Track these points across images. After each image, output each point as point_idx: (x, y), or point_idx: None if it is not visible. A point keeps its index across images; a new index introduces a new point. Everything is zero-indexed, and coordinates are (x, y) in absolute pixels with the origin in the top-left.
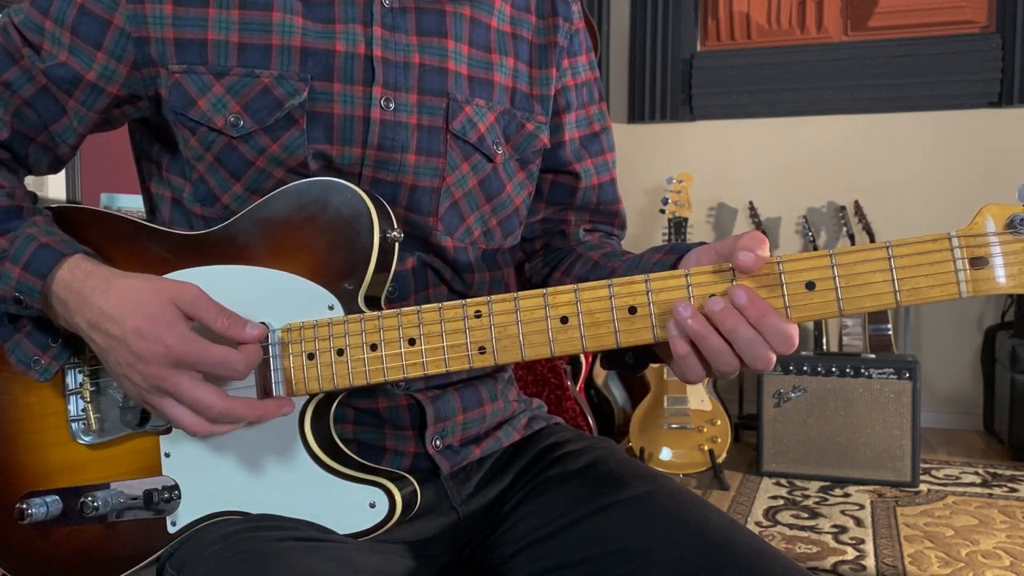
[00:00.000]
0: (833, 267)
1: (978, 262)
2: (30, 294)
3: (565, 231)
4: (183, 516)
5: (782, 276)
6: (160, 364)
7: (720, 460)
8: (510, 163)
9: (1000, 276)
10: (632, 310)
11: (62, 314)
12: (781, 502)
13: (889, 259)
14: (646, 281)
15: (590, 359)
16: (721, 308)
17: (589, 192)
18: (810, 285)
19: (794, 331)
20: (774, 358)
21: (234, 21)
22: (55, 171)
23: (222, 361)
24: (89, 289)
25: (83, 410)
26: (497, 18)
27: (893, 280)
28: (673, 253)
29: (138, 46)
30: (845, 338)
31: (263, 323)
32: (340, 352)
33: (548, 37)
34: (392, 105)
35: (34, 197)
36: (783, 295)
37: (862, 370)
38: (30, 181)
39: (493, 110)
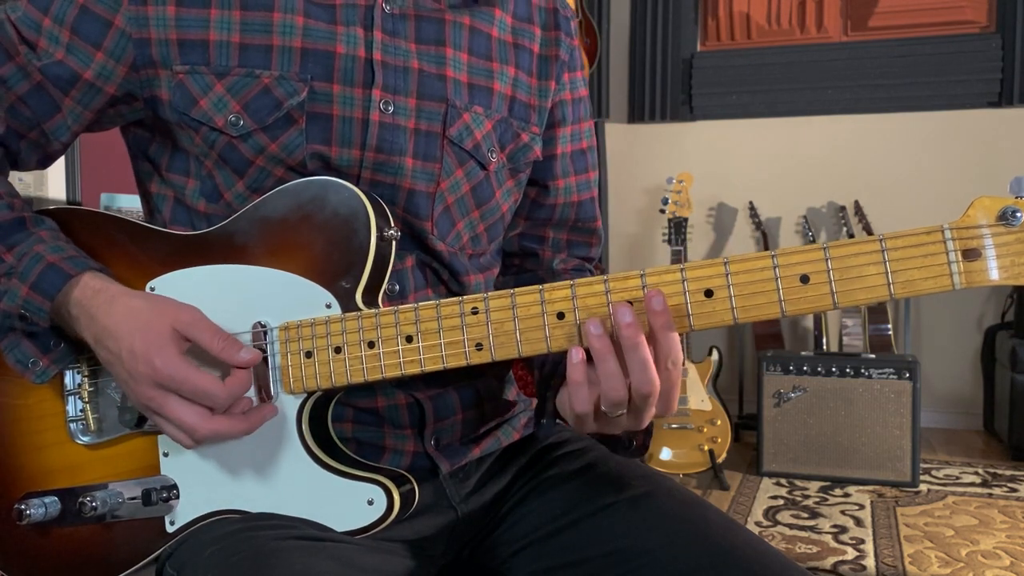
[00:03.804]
0: (827, 260)
1: (971, 254)
2: (36, 313)
3: (539, 255)
4: (182, 515)
5: (776, 269)
6: (147, 384)
7: (720, 460)
8: (502, 171)
9: (992, 268)
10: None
11: (74, 327)
12: (781, 502)
13: (883, 252)
14: (642, 276)
15: None
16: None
17: (568, 208)
18: (804, 278)
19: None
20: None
21: (235, 22)
22: (43, 167)
23: (202, 390)
24: (95, 307)
25: (81, 410)
26: (498, 28)
27: (887, 272)
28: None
29: (138, 47)
30: (845, 338)
31: (260, 322)
32: (338, 350)
33: (551, 49)
34: (391, 108)
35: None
36: (778, 288)
37: (862, 370)
38: (31, 181)
39: (491, 118)
